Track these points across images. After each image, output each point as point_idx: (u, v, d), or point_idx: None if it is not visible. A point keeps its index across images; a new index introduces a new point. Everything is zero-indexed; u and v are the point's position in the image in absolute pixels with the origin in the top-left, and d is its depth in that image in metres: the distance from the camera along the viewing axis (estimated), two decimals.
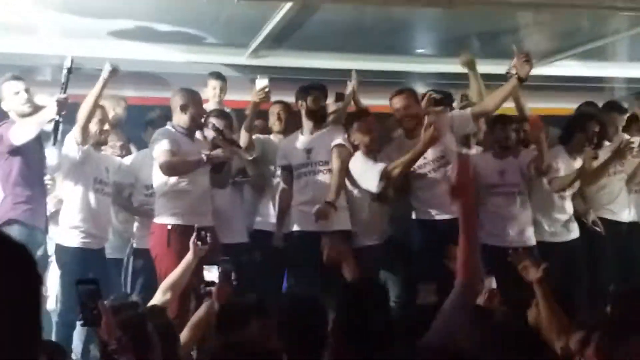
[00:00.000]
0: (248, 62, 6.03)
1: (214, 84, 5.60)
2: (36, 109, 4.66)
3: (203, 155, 4.59)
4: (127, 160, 5.20)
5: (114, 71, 4.58)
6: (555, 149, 5.28)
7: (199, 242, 3.81)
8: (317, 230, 4.66)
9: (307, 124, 5.02)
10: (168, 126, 4.77)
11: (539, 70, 6.44)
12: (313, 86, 5.04)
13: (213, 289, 3.45)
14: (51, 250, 4.75)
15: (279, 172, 5.10)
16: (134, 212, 5.16)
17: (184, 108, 4.71)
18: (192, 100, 4.77)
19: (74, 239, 4.70)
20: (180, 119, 4.74)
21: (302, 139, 5.01)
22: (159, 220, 4.64)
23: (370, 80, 5.85)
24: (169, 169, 4.59)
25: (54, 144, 4.58)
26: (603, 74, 6.89)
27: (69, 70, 4.53)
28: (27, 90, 4.74)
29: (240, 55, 5.98)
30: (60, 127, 4.55)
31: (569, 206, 5.26)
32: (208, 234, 3.84)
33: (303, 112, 5.02)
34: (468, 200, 2.54)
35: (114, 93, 5.29)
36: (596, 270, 5.17)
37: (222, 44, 5.89)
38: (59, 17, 5.23)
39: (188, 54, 6.01)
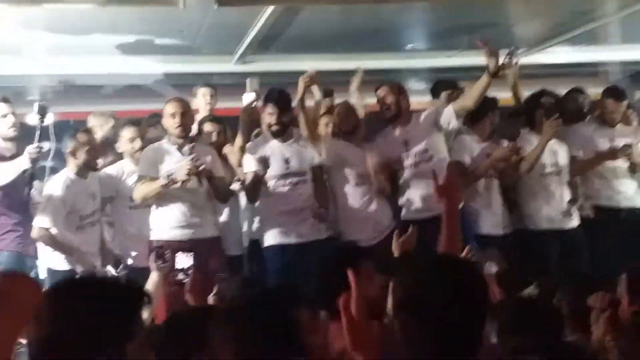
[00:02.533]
0: (236, 69, 5.98)
1: (203, 92, 5.51)
2: (22, 131, 4.66)
3: (166, 180, 4.51)
4: (108, 170, 4.97)
5: None
6: (523, 136, 5.27)
7: (159, 261, 3.74)
8: (299, 241, 4.68)
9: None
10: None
11: (532, 58, 6.38)
12: (271, 97, 4.80)
13: (185, 279, 3.34)
14: (43, 273, 4.69)
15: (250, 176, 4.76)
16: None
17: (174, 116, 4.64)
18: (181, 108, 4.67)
19: (64, 264, 4.62)
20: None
21: (275, 147, 4.80)
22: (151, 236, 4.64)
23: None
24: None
25: (29, 194, 4.54)
26: (596, 59, 6.81)
27: (41, 120, 4.45)
28: (13, 114, 4.70)
29: (228, 62, 5.93)
30: (48, 170, 4.59)
31: (565, 193, 5.21)
32: (167, 252, 3.76)
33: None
34: (454, 201, 2.60)
35: (102, 110, 5.23)
36: (596, 259, 5.09)
37: (208, 52, 5.83)
38: (44, 36, 5.19)
39: (175, 64, 5.96)
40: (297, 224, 4.73)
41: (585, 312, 2.76)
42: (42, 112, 4.46)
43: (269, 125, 4.80)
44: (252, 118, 4.90)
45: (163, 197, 4.59)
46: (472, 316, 1.72)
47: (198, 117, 5.47)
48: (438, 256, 2.27)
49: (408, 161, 4.92)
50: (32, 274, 4.44)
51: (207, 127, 5.14)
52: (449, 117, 4.88)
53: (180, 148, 4.61)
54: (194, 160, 4.48)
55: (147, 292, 1.82)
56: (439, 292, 1.72)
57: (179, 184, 4.48)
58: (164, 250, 3.73)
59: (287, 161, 4.79)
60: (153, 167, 4.62)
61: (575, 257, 5.07)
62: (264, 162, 4.65)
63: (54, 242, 4.50)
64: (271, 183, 4.77)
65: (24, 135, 4.80)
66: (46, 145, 4.61)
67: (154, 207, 4.69)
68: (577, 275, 4.20)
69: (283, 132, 4.80)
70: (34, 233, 4.47)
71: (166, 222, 4.62)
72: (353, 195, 4.88)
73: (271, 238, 4.75)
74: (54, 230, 4.51)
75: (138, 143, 4.87)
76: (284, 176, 4.76)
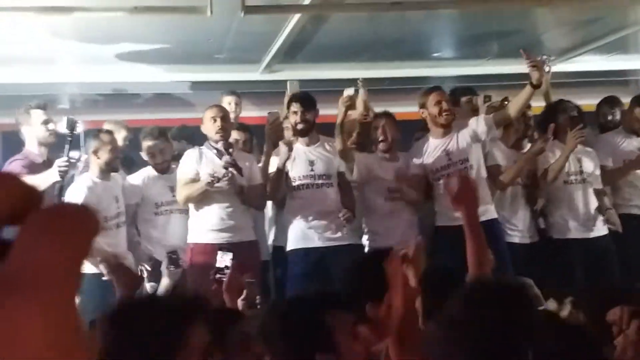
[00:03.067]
0: (262, 78, 6.00)
1: (228, 99, 5.52)
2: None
3: (210, 178, 4.53)
4: (132, 178, 5.00)
5: None
6: (550, 145, 5.10)
7: (172, 266, 3.74)
8: (322, 245, 4.65)
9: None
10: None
11: (561, 66, 6.32)
12: (296, 98, 4.86)
13: (224, 277, 3.29)
14: None
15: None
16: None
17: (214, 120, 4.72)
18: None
19: (90, 267, 4.65)
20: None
21: (300, 149, 4.77)
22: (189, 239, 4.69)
23: (387, 88, 5.77)
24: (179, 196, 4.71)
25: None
26: (627, 67, 6.73)
27: (70, 134, 4.48)
28: (52, 121, 4.80)
29: (254, 71, 5.96)
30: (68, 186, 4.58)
31: (591, 201, 5.12)
32: (180, 258, 3.75)
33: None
34: (471, 206, 2.63)
35: (117, 119, 5.29)
36: (627, 268, 4.99)
37: (234, 61, 5.86)
38: (73, 45, 5.27)
39: (202, 73, 6.00)
40: (321, 227, 4.71)
41: (606, 324, 2.69)
42: (71, 127, 4.51)
43: (295, 124, 4.81)
44: (277, 134, 4.89)
45: (204, 199, 4.65)
46: (515, 337, 1.72)
47: None
48: (486, 279, 2.29)
49: (448, 170, 4.87)
50: None
51: (234, 135, 5.16)
52: (489, 127, 4.83)
53: (219, 152, 4.66)
54: (230, 158, 4.56)
55: (201, 302, 1.76)
56: (484, 311, 1.74)
57: (222, 182, 4.54)
58: (177, 257, 3.75)
59: (311, 163, 4.78)
60: (194, 170, 4.68)
61: (603, 267, 4.98)
62: (289, 144, 4.64)
63: None
64: (295, 184, 4.76)
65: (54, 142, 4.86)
66: (75, 155, 4.67)
67: (192, 210, 4.73)
68: (599, 286, 4.13)
69: (308, 131, 4.81)
70: None
71: (204, 225, 4.67)
72: (382, 208, 4.85)
73: (295, 241, 4.74)
74: None
75: (160, 157, 4.92)
76: (308, 178, 4.76)
